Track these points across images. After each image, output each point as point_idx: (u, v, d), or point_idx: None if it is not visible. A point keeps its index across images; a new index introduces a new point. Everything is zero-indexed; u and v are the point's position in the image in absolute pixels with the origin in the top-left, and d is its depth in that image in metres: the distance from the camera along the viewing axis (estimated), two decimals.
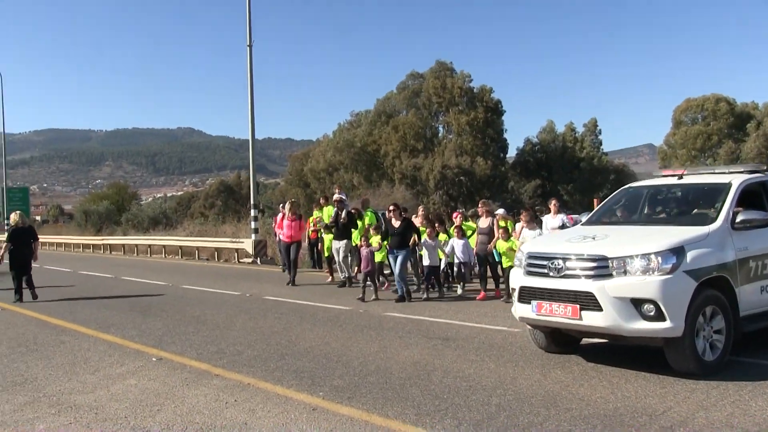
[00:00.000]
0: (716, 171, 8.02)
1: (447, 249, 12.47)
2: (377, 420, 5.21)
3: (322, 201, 16.27)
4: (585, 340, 7.48)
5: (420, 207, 16.43)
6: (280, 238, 16.13)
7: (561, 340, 7.23)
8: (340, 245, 13.91)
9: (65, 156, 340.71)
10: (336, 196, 14.91)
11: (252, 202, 23.29)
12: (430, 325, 9.34)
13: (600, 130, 56.23)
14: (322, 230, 15.25)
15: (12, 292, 13.52)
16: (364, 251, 12.30)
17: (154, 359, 7.62)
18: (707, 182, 7.74)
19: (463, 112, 49.07)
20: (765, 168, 7.88)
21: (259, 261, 21.92)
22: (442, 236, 12.84)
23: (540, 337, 7.28)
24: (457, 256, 12.47)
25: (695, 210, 7.52)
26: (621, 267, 6.22)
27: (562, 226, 12.16)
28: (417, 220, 13.19)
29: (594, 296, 6.18)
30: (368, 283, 12.09)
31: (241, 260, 23.11)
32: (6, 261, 13.62)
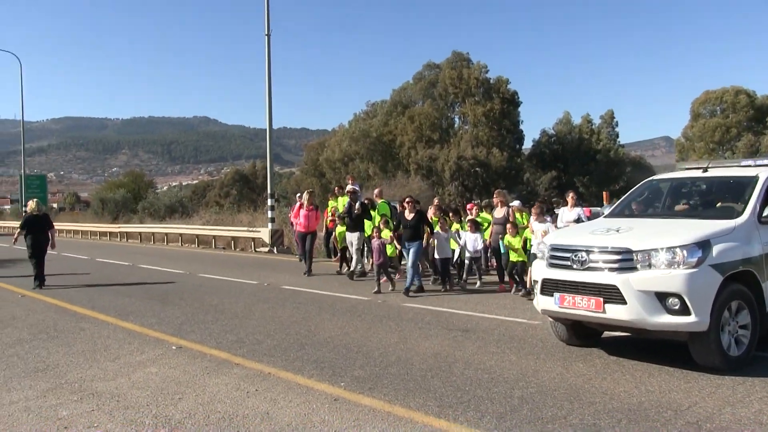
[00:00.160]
0: (742, 164, 7.89)
1: (461, 242, 12.36)
2: (399, 411, 5.19)
3: (337, 191, 16.21)
4: (606, 334, 7.42)
5: (435, 198, 16.37)
6: (296, 228, 16.12)
7: (582, 333, 7.17)
8: (353, 237, 13.81)
9: (82, 144, 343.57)
10: (349, 187, 14.81)
11: (269, 191, 23.32)
12: (450, 317, 9.30)
13: (617, 122, 55.86)
14: (337, 220, 15.18)
15: (31, 279, 13.67)
16: (375, 243, 12.21)
17: (173, 347, 7.64)
18: (733, 175, 7.62)
19: (479, 103, 48.86)
20: None
21: (275, 250, 21.95)
22: (455, 226, 12.77)
23: (561, 329, 7.23)
24: (468, 250, 12.30)
25: (720, 203, 7.41)
26: (646, 260, 6.14)
27: (578, 220, 12.09)
28: (432, 212, 13.08)
29: (618, 289, 6.11)
30: (382, 275, 12.01)
31: (257, 249, 23.16)
32: (22, 247, 13.91)
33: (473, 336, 7.95)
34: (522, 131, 51.96)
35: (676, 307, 5.98)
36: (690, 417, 4.99)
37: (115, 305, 10.91)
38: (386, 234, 12.41)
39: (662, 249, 6.12)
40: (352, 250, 13.98)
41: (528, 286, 10.70)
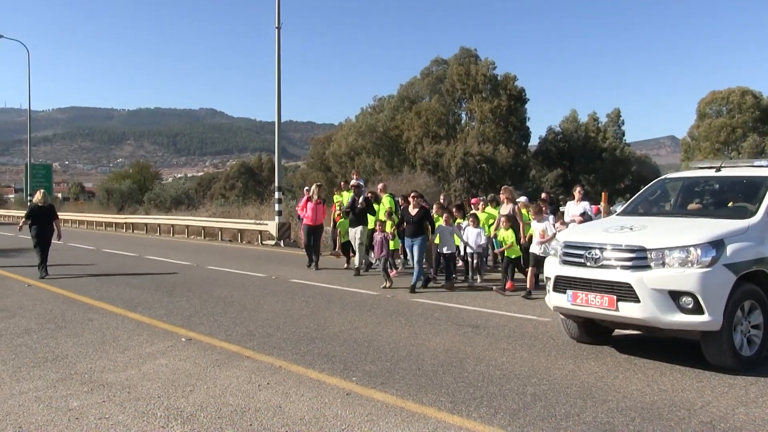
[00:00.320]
0: (755, 164, 7.85)
1: (463, 237, 12.26)
2: (412, 407, 5.17)
3: (342, 185, 16.15)
4: (617, 332, 7.40)
5: (441, 195, 16.28)
6: (303, 221, 16.05)
7: (593, 331, 7.15)
8: (356, 231, 13.67)
9: (87, 134, 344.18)
10: (353, 182, 14.65)
11: (276, 184, 23.28)
12: (459, 312, 9.28)
13: (623, 120, 55.64)
14: (342, 214, 15.09)
15: (36, 269, 13.73)
16: (378, 237, 12.12)
17: (183, 339, 7.64)
18: (746, 175, 7.58)
19: (486, 99, 48.73)
20: None
21: (282, 243, 21.95)
22: (458, 220, 12.68)
23: (573, 327, 7.21)
24: (470, 246, 12.16)
25: (734, 203, 7.38)
26: (659, 258, 6.12)
27: (584, 214, 12.05)
28: (435, 210, 12.84)
29: (632, 287, 6.09)
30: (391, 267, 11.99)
31: (264, 242, 23.17)
32: (27, 236, 14.00)
33: (483, 332, 7.94)
34: (528, 128, 51.85)
35: (690, 306, 5.97)
36: (704, 416, 4.97)
37: (122, 296, 10.91)
38: (389, 227, 12.36)
39: (676, 248, 6.10)
40: (355, 245, 13.90)
41: (529, 285, 10.61)
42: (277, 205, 22.87)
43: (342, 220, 14.80)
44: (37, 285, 12.41)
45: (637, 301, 6.08)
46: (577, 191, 12.63)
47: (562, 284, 6.68)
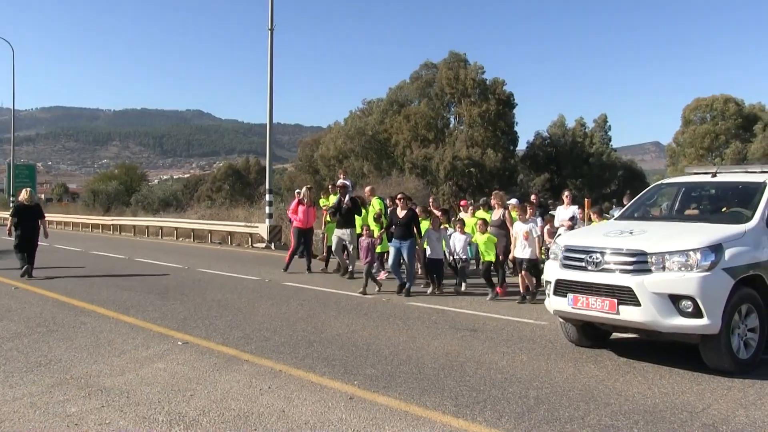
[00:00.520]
0: (749, 170, 7.96)
1: (450, 242, 11.99)
2: (416, 410, 5.16)
3: (330, 188, 15.91)
4: (614, 335, 7.43)
5: (431, 198, 16.18)
6: (294, 224, 15.90)
7: (592, 334, 7.19)
8: (344, 234, 13.37)
9: (71, 134, 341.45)
10: (340, 182, 14.46)
11: (267, 186, 23.20)
12: (456, 316, 9.28)
13: (609, 126, 56.03)
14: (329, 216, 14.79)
15: (17, 272, 13.57)
16: (364, 242, 11.84)
17: (179, 343, 7.56)
18: (742, 181, 7.67)
19: (475, 103, 48.82)
20: None
21: (273, 246, 21.86)
22: (444, 225, 12.44)
23: (571, 330, 7.24)
24: (456, 252, 11.92)
25: (730, 208, 7.46)
26: (660, 263, 6.16)
27: (572, 218, 12.09)
28: (419, 212, 12.64)
29: (633, 291, 6.14)
30: (378, 272, 11.80)
31: (254, 245, 23.07)
32: (12, 237, 13.84)
33: (482, 336, 7.94)
34: (516, 133, 51.95)
35: (689, 310, 6.02)
36: (706, 419, 5.01)
37: (114, 299, 10.79)
38: (377, 230, 12.26)
39: (676, 252, 6.15)
40: (336, 247, 13.51)
41: (522, 290, 10.43)
42: (267, 208, 22.78)
43: (329, 224, 14.49)
44: (24, 288, 12.21)
45: (638, 304, 6.12)
46: (565, 195, 12.66)
47: (563, 288, 6.71)
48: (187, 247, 23.54)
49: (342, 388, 5.77)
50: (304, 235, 15.09)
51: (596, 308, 6.38)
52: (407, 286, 11.33)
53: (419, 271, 12.52)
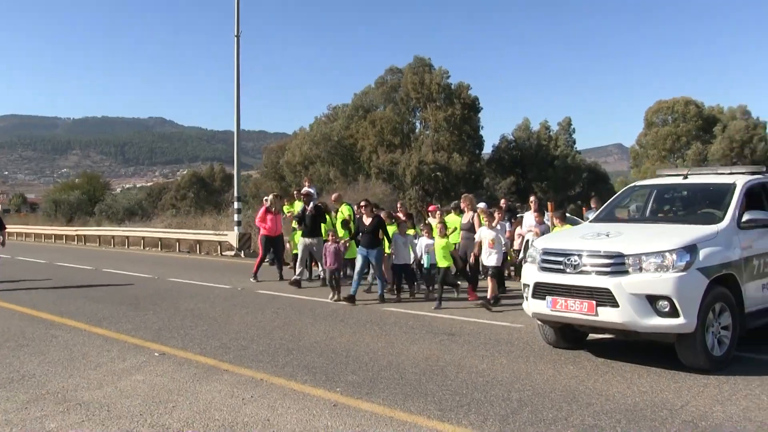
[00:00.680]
0: (719, 171, 8.15)
1: (416, 248, 11.84)
2: (401, 416, 5.16)
3: (295, 194, 15.66)
4: (591, 336, 7.53)
5: (399, 203, 16.17)
6: (262, 231, 15.67)
7: (570, 336, 7.28)
8: (311, 242, 13.21)
9: (28, 143, 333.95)
10: (304, 190, 14.34)
11: (235, 194, 23.01)
12: (432, 321, 9.31)
13: (574, 128, 56.78)
14: (295, 225, 14.53)
15: None
16: (330, 247, 11.63)
17: (156, 354, 7.45)
18: (713, 182, 7.85)
19: (440, 108, 49.05)
20: (765, 170, 8.03)
21: (242, 254, 21.68)
22: (411, 231, 12.39)
23: (549, 332, 7.32)
24: (423, 258, 11.63)
25: (702, 209, 7.63)
26: (637, 264, 6.27)
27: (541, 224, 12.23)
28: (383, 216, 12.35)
29: (611, 292, 6.23)
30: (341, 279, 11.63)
31: (224, 253, 22.84)
32: None
33: (460, 340, 7.98)
34: (482, 137, 52.26)
35: (666, 310, 6.14)
36: (685, 416, 5.11)
37: (84, 311, 10.58)
38: (345, 236, 12.19)
39: (653, 253, 6.27)
40: (302, 255, 13.38)
41: (489, 295, 10.33)
42: (236, 215, 22.58)
43: (294, 231, 14.33)
44: None
45: (616, 305, 6.22)
46: (532, 201, 12.80)
47: (542, 291, 6.78)
48: (154, 257, 23.21)
49: (325, 395, 5.74)
50: (273, 243, 14.95)
51: (575, 310, 6.46)
52: (379, 293, 11.29)
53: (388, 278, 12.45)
